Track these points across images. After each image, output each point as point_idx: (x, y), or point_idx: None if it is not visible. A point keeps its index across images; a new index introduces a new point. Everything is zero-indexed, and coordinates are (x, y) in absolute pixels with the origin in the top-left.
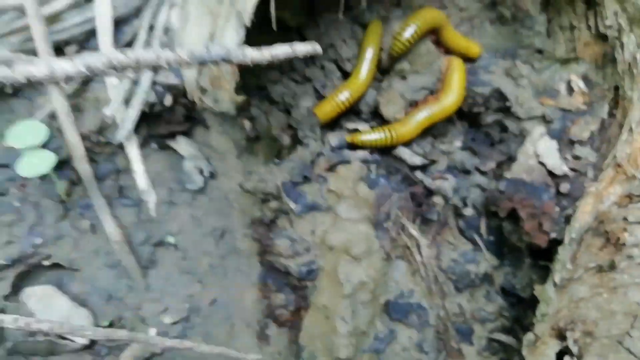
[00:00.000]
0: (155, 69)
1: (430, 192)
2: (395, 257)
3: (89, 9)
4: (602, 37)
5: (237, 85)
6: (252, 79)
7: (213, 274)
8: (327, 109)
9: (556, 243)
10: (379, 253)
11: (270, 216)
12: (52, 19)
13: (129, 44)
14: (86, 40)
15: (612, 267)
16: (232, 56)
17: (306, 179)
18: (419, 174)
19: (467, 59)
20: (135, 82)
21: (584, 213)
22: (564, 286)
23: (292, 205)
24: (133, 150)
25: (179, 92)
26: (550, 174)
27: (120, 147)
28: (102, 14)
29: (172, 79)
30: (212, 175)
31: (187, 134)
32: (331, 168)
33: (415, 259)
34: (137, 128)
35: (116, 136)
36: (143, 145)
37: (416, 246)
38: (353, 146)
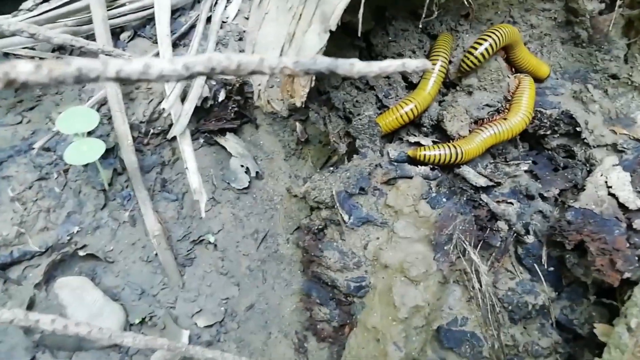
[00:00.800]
0: (254, 72)
1: (493, 216)
2: (452, 281)
3: None
4: None
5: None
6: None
7: (252, 278)
8: (389, 120)
9: (628, 283)
10: (437, 276)
11: (319, 225)
12: (109, 3)
13: (184, 36)
14: (142, 26)
15: None
16: (339, 68)
17: (362, 191)
18: (484, 197)
19: (535, 80)
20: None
21: None
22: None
23: (345, 217)
24: (187, 147)
25: (232, 88)
26: (622, 207)
27: (169, 140)
28: (161, 2)
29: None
30: (258, 176)
31: (235, 131)
32: (388, 181)
33: (472, 285)
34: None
35: (171, 130)
36: (191, 139)
37: (475, 272)
38: (414, 161)
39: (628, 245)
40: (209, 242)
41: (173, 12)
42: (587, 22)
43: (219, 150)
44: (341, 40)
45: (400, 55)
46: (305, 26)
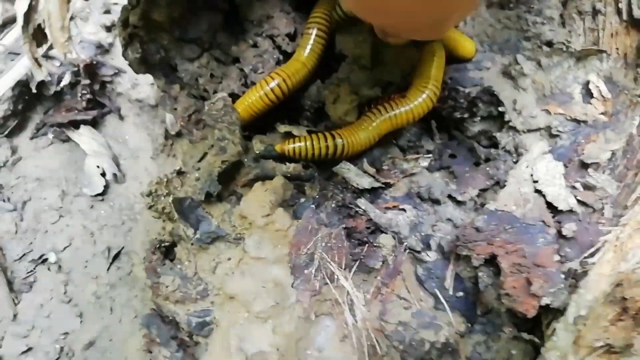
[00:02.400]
0: None
1: (377, 228)
2: (319, 315)
3: None
4: (637, 25)
5: None
6: (156, 51)
7: (97, 307)
8: (252, 101)
9: (549, 311)
10: (295, 310)
11: (168, 241)
12: None
13: None
14: None
15: (629, 347)
16: None
17: (212, 197)
18: (362, 202)
19: (458, 61)
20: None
21: (600, 277)
22: None
23: (190, 231)
24: None
25: (79, 70)
26: (551, 207)
27: (6, 136)
28: None
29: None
30: (117, 179)
31: (95, 124)
32: (250, 183)
33: (346, 320)
34: (29, 112)
35: None
36: (35, 135)
37: (349, 302)
38: (284, 157)
39: (557, 259)
40: (52, 262)
41: None
42: None
43: (73, 148)
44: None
45: (269, 19)
46: None
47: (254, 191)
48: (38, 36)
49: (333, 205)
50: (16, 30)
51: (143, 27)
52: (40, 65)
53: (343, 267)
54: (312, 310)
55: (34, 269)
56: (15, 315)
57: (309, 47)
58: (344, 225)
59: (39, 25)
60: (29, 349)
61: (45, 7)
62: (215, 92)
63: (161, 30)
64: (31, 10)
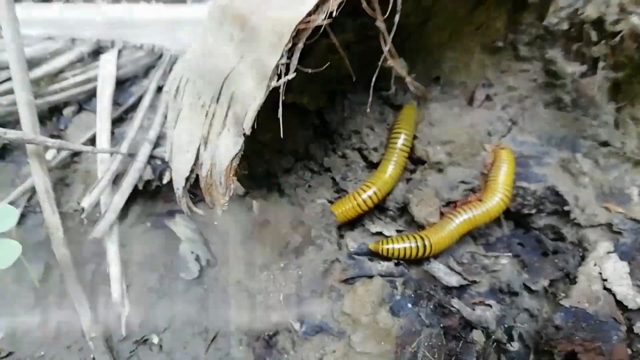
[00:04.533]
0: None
1: (468, 324)
2: None
3: (93, 67)
4: None
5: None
6: (259, 164)
7: None
8: (346, 208)
9: None
10: None
11: (271, 330)
12: (50, 78)
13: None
14: (88, 100)
15: None
16: None
17: (316, 293)
18: (455, 302)
19: None
20: (130, 155)
21: None
22: None
23: (296, 325)
24: (112, 247)
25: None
26: (620, 305)
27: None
28: (106, 73)
29: None
30: (210, 264)
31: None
32: (347, 280)
33: None
34: (130, 204)
35: (94, 229)
36: (136, 223)
37: None
38: (376, 255)
39: (630, 353)
40: (154, 343)
41: (123, 81)
42: (569, 85)
43: (168, 235)
44: (290, 120)
45: (357, 133)
46: (219, 128)
47: (356, 291)
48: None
49: (431, 307)
50: (129, 135)
51: (249, 147)
52: (192, 212)
53: None
54: None
55: (136, 348)
56: None
57: (393, 160)
58: (441, 324)
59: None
60: None
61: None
62: (312, 200)
63: (264, 146)
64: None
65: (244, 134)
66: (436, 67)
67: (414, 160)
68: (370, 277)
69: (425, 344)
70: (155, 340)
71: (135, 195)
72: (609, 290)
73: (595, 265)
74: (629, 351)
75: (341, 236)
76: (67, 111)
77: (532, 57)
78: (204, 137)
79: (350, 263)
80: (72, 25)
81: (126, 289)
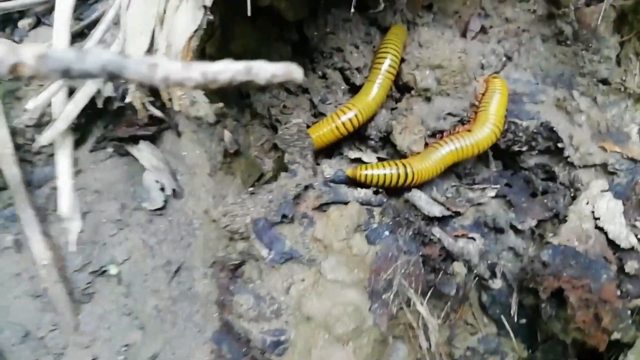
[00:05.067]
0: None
1: (449, 256)
2: (393, 338)
3: None
4: None
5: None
6: None
7: (159, 320)
8: (324, 131)
9: (617, 345)
10: (372, 333)
11: (236, 259)
12: None
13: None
14: (47, 13)
15: None
16: (128, 70)
17: (286, 218)
18: (436, 231)
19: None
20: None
21: None
22: None
23: (264, 252)
24: (63, 159)
25: (146, 88)
26: (612, 244)
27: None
28: None
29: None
30: (176, 194)
31: (153, 139)
32: (321, 207)
33: (420, 344)
34: (89, 126)
35: (41, 136)
36: (96, 148)
37: (423, 327)
38: (354, 182)
39: (619, 294)
40: (112, 274)
41: None
42: (572, 14)
43: (131, 163)
44: (266, 31)
45: (339, 51)
46: (176, 2)
47: (330, 215)
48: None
49: (410, 234)
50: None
51: (219, 57)
52: (147, 111)
53: (419, 293)
54: (389, 334)
55: (93, 280)
56: (77, 326)
57: (378, 82)
58: (420, 253)
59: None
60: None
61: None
62: (286, 122)
63: (235, 58)
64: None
65: (205, 6)
66: None
67: (400, 88)
68: (346, 203)
69: (402, 271)
70: (114, 271)
71: (95, 118)
72: (600, 229)
73: (587, 203)
74: (617, 292)
75: (317, 163)
76: (23, 23)
77: None
78: (160, 15)
79: (325, 190)
80: None
81: (82, 216)
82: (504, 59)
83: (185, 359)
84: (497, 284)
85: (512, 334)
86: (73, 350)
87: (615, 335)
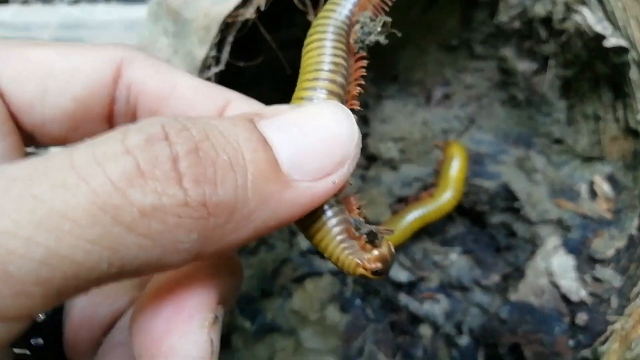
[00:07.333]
0: None
1: (416, 319)
2: None
3: None
4: (633, 133)
5: None
6: None
7: None
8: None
9: None
10: None
11: (224, 330)
12: None
13: None
14: None
15: None
16: None
17: (265, 293)
18: (403, 297)
19: None
20: None
21: None
22: None
23: (247, 324)
24: None
25: None
26: (565, 298)
27: None
28: None
29: None
30: None
31: None
32: (298, 279)
33: None
34: None
35: None
36: None
37: None
38: None
39: (571, 345)
40: None
41: None
42: (522, 83)
43: None
44: None
45: None
46: None
47: (305, 288)
48: None
49: (378, 302)
50: None
51: None
52: None
53: (389, 356)
54: None
55: None
56: None
57: None
58: (388, 319)
59: None
60: None
61: None
62: None
63: None
64: None
65: None
66: (393, 67)
67: (368, 157)
68: (320, 274)
69: (372, 338)
70: None
71: None
72: (554, 284)
73: (542, 259)
74: (571, 343)
75: (293, 234)
76: None
77: (487, 56)
78: None
79: (302, 261)
80: (28, 27)
81: None
82: (467, 122)
83: None
84: (464, 340)
85: None
86: None
87: None
